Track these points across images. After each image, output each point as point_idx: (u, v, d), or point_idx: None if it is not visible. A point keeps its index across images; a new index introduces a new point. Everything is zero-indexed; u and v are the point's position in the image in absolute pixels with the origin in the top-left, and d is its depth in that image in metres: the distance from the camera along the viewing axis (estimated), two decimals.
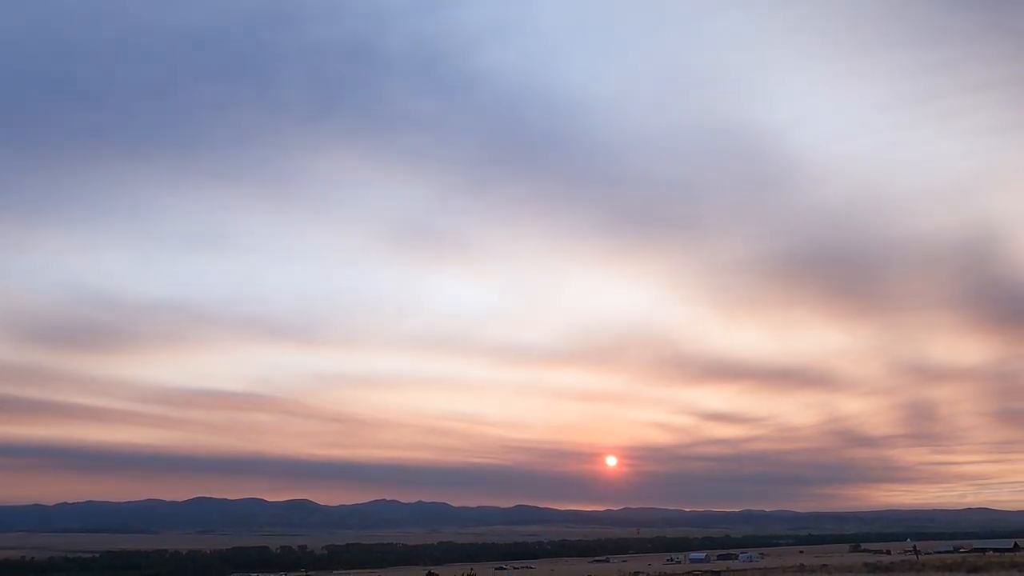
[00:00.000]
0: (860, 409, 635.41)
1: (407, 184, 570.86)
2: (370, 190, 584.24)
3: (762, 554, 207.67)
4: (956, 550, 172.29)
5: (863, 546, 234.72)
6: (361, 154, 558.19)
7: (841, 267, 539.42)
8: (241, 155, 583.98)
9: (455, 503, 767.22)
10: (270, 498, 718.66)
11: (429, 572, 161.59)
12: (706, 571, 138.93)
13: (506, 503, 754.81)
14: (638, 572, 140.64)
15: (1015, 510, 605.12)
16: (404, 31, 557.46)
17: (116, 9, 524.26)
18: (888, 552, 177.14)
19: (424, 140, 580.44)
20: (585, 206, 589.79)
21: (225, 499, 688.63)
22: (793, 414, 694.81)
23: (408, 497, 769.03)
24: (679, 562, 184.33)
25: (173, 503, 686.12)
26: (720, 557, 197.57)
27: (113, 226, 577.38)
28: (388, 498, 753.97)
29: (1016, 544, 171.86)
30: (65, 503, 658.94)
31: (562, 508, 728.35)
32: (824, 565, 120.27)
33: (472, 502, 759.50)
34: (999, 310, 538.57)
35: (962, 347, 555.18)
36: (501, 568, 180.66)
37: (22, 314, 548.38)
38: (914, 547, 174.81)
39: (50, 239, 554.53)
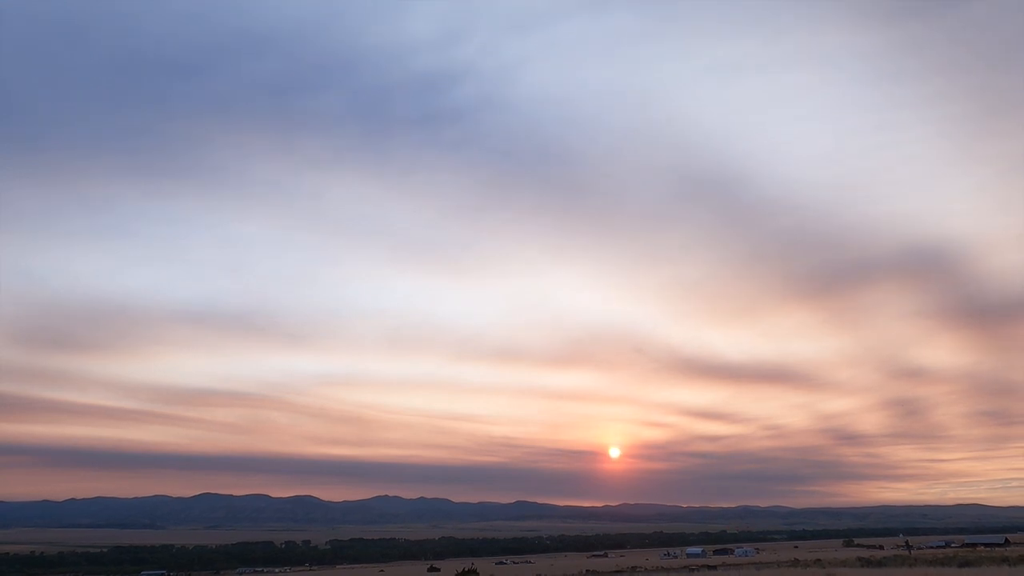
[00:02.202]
0: (851, 409, 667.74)
1: (409, 210, 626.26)
2: (375, 216, 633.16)
3: (757, 549, 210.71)
4: (948, 545, 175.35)
5: (856, 541, 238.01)
6: (370, 190, 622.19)
7: (819, 280, 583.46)
8: (262, 190, 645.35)
9: (456, 499, 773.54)
10: (275, 494, 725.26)
11: (431, 566, 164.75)
12: (702, 566, 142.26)
13: (506, 499, 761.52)
14: (636, 567, 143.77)
15: (1005, 505, 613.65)
16: (410, 102, 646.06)
17: (159, 83, 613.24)
18: (881, 547, 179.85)
19: (425, 179, 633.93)
20: (576, 228, 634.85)
21: (231, 495, 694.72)
22: (787, 414, 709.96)
23: (410, 493, 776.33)
24: (676, 557, 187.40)
25: (180, 499, 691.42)
26: (716, 552, 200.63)
27: (139, 248, 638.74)
28: (390, 494, 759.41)
29: (1007, 539, 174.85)
30: (74, 499, 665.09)
31: (561, 504, 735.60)
32: (818, 560, 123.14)
33: (473, 498, 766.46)
34: (969, 317, 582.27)
35: (941, 351, 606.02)
36: (501, 562, 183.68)
37: (40, 318, 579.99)
38: (907, 542, 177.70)
39: (82, 256, 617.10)
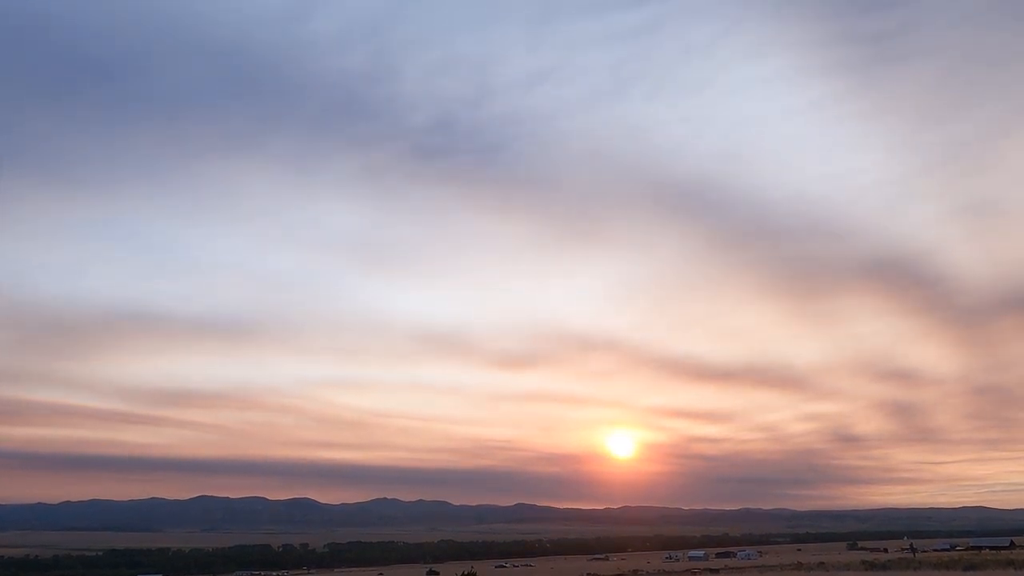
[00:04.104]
0: (851, 412, 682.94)
1: (406, 225, 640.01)
2: (370, 229, 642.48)
3: (760, 552, 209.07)
4: (953, 548, 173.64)
5: (860, 544, 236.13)
6: (368, 208, 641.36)
7: (812, 286, 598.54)
8: (268, 205, 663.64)
9: (455, 502, 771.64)
10: (272, 497, 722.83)
11: (430, 570, 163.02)
12: (704, 569, 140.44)
13: (506, 502, 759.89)
14: (637, 570, 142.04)
15: (1011, 508, 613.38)
16: (407, 139, 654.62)
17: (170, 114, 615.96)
18: (885, 550, 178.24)
19: (425, 198, 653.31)
20: (572, 240, 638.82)
21: (227, 497, 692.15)
22: (788, 417, 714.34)
23: (409, 496, 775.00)
24: (678, 560, 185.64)
25: (176, 501, 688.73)
26: (719, 555, 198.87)
27: (137, 254, 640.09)
28: (389, 496, 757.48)
29: (1012, 542, 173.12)
30: (68, 502, 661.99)
31: (561, 507, 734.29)
32: (822, 563, 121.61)
33: (472, 501, 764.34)
34: (955, 320, 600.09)
35: (937, 354, 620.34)
36: (502, 566, 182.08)
37: (36, 321, 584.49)
38: (911, 545, 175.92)
39: (80, 261, 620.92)
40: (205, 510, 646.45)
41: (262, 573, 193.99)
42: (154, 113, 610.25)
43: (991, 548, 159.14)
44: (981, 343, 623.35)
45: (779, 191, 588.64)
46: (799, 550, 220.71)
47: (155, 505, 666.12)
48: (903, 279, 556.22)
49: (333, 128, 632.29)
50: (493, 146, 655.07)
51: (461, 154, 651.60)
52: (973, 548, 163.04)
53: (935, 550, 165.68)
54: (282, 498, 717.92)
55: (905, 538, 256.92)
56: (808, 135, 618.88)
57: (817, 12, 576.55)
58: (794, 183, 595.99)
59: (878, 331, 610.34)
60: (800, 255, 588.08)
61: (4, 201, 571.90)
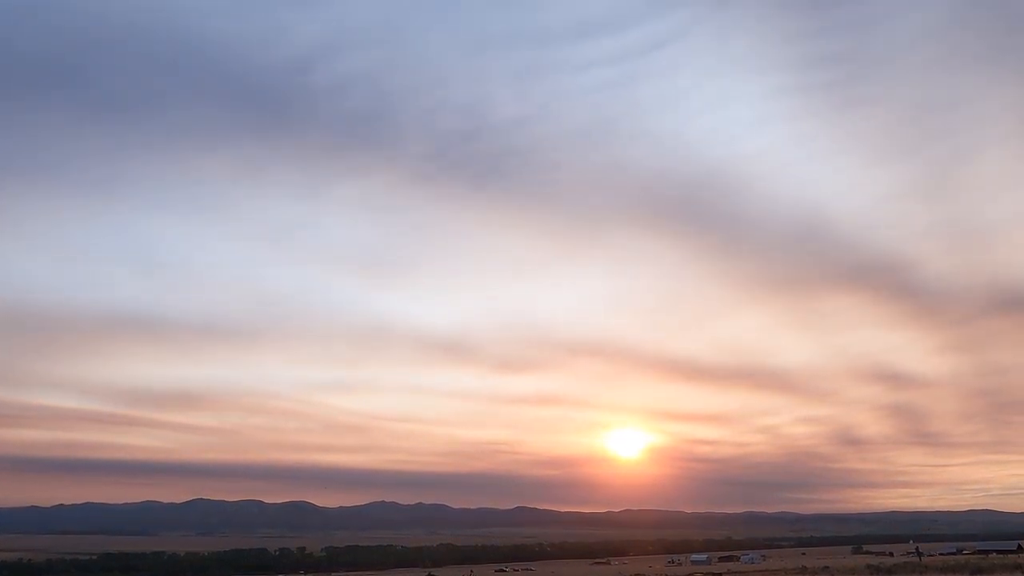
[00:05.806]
0: (854, 414, 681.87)
1: (400, 229, 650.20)
2: (364, 235, 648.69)
3: (764, 555, 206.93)
4: (959, 551, 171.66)
5: (865, 547, 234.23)
6: (353, 216, 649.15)
7: (805, 289, 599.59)
8: (275, 212, 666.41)
9: (455, 505, 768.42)
10: (268, 500, 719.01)
11: (429, 574, 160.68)
12: (707, 573, 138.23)
13: (506, 505, 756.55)
14: (639, 574, 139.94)
15: (1018, 511, 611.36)
16: (405, 148, 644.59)
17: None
18: (891, 554, 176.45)
19: (403, 206, 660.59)
20: (566, 244, 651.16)
21: (223, 501, 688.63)
22: (792, 420, 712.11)
23: (407, 499, 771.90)
24: (680, 563, 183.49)
25: (171, 505, 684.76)
26: (722, 559, 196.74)
27: (136, 257, 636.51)
28: (387, 500, 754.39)
29: (1020, 546, 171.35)
30: (62, 505, 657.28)
31: (562, 510, 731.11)
32: (826, 567, 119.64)
33: (472, 504, 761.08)
34: (948, 323, 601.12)
35: (931, 357, 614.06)
36: (501, 570, 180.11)
37: (27, 321, 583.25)
38: (917, 548, 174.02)
39: (76, 261, 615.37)
40: (201, 513, 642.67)
41: None
42: (162, 140, 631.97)
43: (998, 552, 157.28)
44: (978, 346, 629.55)
45: (766, 209, 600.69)
46: (803, 554, 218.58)
47: (150, 508, 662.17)
48: (894, 286, 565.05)
49: (333, 158, 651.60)
50: (488, 170, 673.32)
51: (458, 176, 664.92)
52: (980, 552, 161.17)
53: (941, 554, 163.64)
54: (279, 501, 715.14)
55: (911, 541, 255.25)
56: (783, 168, 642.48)
57: (773, 65, 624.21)
58: (777, 204, 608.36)
59: (875, 336, 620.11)
60: (793, 263, 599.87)
61: (6, 206, 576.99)
